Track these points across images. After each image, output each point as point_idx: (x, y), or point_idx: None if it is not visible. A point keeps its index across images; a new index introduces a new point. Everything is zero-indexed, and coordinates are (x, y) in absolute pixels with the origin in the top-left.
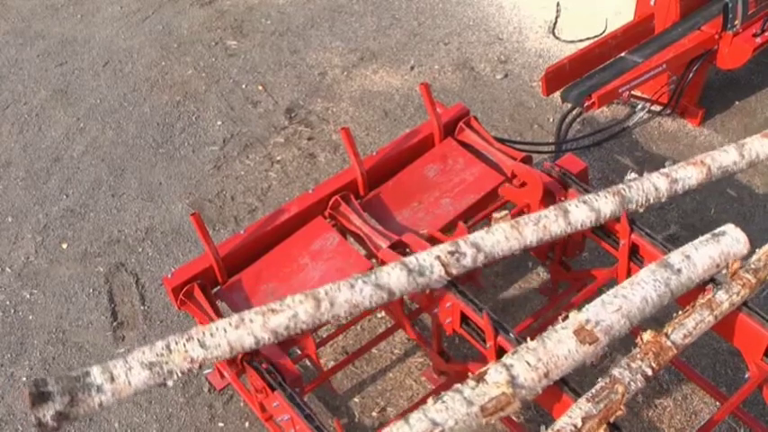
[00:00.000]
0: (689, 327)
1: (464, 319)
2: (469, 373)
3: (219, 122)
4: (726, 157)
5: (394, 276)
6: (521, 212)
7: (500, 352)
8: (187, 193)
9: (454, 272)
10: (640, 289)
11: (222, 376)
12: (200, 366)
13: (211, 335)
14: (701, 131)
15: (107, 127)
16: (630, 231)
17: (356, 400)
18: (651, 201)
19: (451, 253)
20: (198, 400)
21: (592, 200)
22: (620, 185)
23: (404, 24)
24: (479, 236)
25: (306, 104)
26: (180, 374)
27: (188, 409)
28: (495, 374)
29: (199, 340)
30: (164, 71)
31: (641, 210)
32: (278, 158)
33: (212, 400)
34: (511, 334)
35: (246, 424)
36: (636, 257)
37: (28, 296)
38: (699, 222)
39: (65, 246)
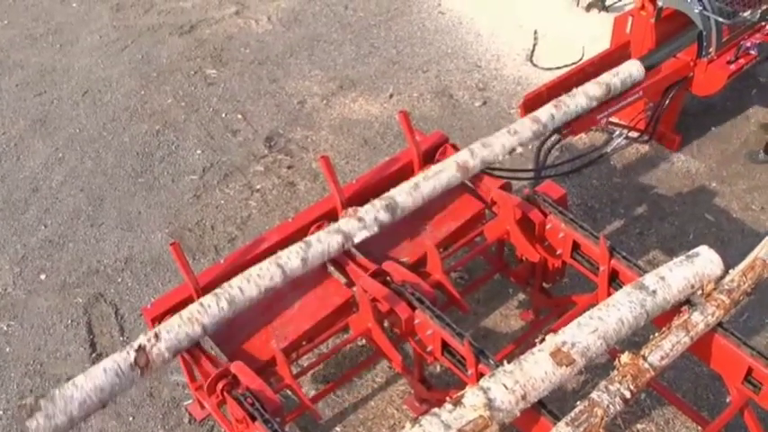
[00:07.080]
0: (666, 348)
1: (445, 346)
2: (447, 397)
3: (199, 151)
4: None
5: None
6: (500, 240)
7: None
8: (167, 222)
9: None
10: (616, 311)
11: (202, 407)
12: None
13: None
14: (678, 157)
15: (86, 156)
16: (610, 257)
17: (338, 429)
18: None
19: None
20: (178, 431)
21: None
22: None
23: (382, 53)
24: None
25: (285, 133)
26: None
27: None
28: (473, 397)
29: None
30: (143, 100)
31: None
32: (258, 187)
33: None
34: (492, 361)
35: None
36: (616, 283)
37: (5, 328)
38: (678, 247)
39: (43, 276)
